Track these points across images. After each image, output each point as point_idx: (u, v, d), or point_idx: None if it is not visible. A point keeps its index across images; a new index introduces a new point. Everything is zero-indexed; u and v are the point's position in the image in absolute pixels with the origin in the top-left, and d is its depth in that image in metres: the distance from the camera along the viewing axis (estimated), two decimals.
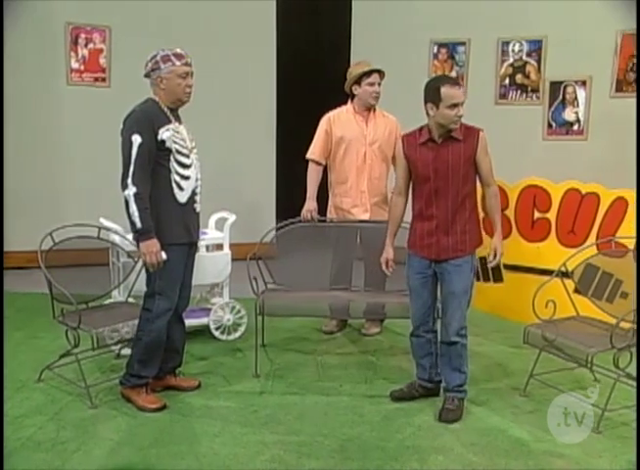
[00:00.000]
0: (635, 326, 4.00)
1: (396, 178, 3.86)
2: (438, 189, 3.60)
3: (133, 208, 3.47)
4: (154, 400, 3.78)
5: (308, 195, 4.80)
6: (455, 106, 3.49)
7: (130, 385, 3.78)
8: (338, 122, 4.76)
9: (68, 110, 6.50)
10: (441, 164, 3.58)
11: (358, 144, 4.72)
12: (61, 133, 6.56)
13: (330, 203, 4.95)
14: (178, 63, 3.58)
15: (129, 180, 3.47)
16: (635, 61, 6.25)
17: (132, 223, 3.52)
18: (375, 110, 4.75)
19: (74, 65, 6.47)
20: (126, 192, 3.48)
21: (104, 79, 6.55)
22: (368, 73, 4.66)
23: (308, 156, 4.83)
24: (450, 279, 3.67)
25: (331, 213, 4.91)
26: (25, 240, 6.10)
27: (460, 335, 3.71)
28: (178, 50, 3.63)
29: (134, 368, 3.77)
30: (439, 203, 3.62)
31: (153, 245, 3.53)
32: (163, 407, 3.76)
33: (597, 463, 3.30)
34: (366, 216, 4.76)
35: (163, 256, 3.56)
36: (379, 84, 4.68)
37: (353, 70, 4.74)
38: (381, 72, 4.70)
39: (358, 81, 4.68)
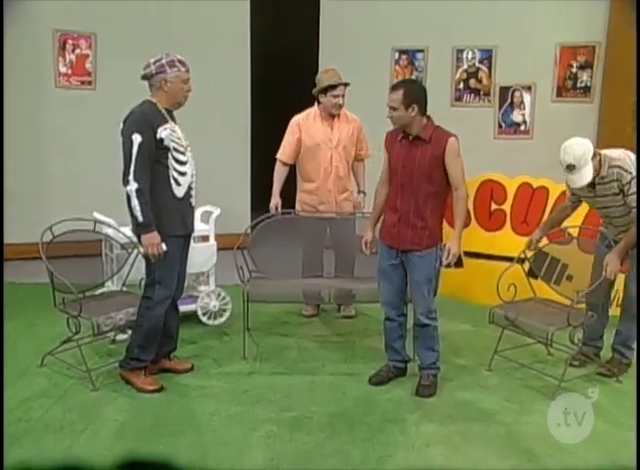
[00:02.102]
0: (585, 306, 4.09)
1: (382, 170, 3.79)
2: (404, 184, 3.55)
3: (135, 202, 3.39)
4: (151, 382, 3.69)
5: (273, 192, 4.75)
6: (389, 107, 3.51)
7: (130, 367, 3.69)
8: (305, 127, 4.67)
9: (57, 110, 6.29)
10: (409, 161, 3.52)
11: (325, 148, 4.65)
12: (49, 132, 6.35)
13: (297, 198, 4.87)
14: (183, 69, 3.53)
15: (131, 177, 3.38)
16: (574, 70, 6.36)
17: (134, 217, 3.43)
18: (339, 113, 4.66)
19: (62, 69, 6.25)
20: (128, 188, 3.39)
21: (90, 82, 6.35)
22: (334, 86, 4.57)
23: (278, 156, 4.75)
24: (413, 269, 3.61)
25: (298, 207, 4.81)
26: (15, 232, 5.93)
27: (430, 318, 3.66)
28: (180, 56, 3.55)
29: (134, 352, 3.67)
30: (404, 197, 3.57)
31: (154, 237, 3.44)
32: (160, 389, 3.67)
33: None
34: (332, 212, 4.71)
35: (164, 247, 3.48)
36: (343, 96, 4.59)
37: (321, 79, 4.64)
38: (346, 85, 4.61)
39: (324, 91, 4.60)
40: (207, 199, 4.95)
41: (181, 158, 3.55)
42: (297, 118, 4.74)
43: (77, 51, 6.27)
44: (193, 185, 3.65)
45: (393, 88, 3.53)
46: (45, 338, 4.22)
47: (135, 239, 3.64)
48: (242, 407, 3.49)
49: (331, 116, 4.66)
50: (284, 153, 4.74)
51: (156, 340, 3.72)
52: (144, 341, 3.67)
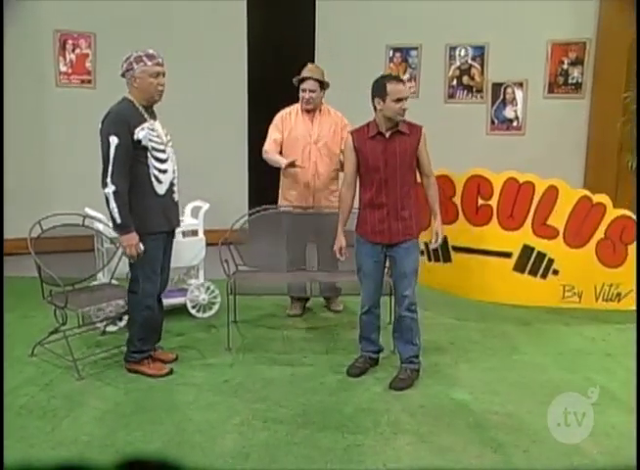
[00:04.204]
0: None
1: (345, 172, 3.80)
2: (388, 179, 3.59)
3: (113, 204, 3.43)
4: (161, 367, 3.80)
5: (279, 160, 4.56)
6: (400, 100, 3.50)
7: (136, 360, 3.78)
8: (287, 121, 4.66)
9: (57, 109, 6.41)
10: (391, 156, 3.57)
11: (304, 142, 4.60)
12: (50, 129, 6.48)
13: (280, 194, 4.81)
14: (150, 63, 3.52)
15: (108, 179, 3.42)
16: (565, 67, 6.36)
17: (112, 219, 3.48)
18: (321, 109, 4.63)
19: (63, 68, 6.38)
20: (106, 190, 3.43)
21: (89, 81, 6.47)
22: (303, 79, 4.56)
23: (263, 154, 4.69)
24: (401, 262, 3.66)
25: (281, 203, 4.78)
26: (15, 228, 6.04)
27: (410, 310, 3.70)
28: (150, 51, 3.56)
29: (136, 346, 3.76)
30: (389, 191, 3.61)
31: (132, 238, 3.50)
32: (171, 372, 3.77)
33: (526, 417, 3.38)
34: (311, 206, 4.66)
35: (141, 247, 3.53)
36: (311, 91, 4.53)
37: (302, 72, 4.63)
38: (322, 83, 4.54)
39: (299, 85, 4.60)
40: (205, 195, 5.06)
41: (161, 156, 3.59)
42: (280, 113, 4.73)
43: (77, 51, 6.38)
44: (175, 181, 3.70)
45: (402, 80, 3.62)
46: (38, 329, 4.29)
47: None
48: (220, 397, 3.56)
49: (312, 111, 4.61)
50: (266, 149, 4.68)
51: (153, 329, 3.82)
52: (142, 333, 3.75)
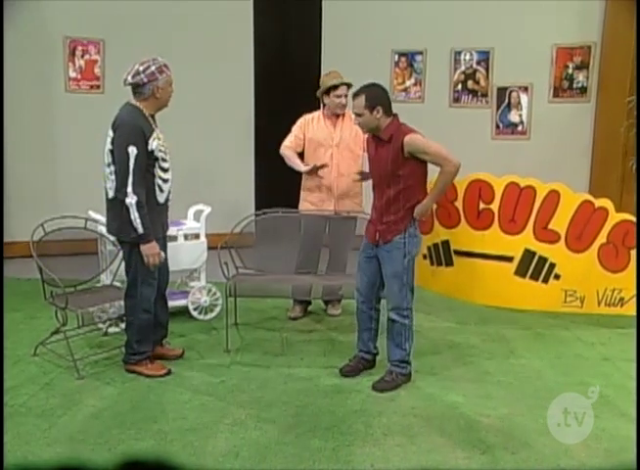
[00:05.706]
0: None
1: None
2: (376, 184, 3.71)
3: (135, 215, 3.48)
4: (159, 367, 3.86)
5: (298, 166, 4.70)
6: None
7: (134, 362, 3.85)
8: (310, 125, 4.77)
9: (67, 113, 6.53)
10: (376, 162, 3.67)
11: (326, 145, 4.72)
12: (60, 134, 6.59)
13: (301, 196, 4.91)
14: (169, 72, 3.58)
15: (130, 189, 3.47)
16: (570, 71, 6.37)
17: (134, 229, 3.52)
18: (343, 113, 4.73)
19: (72, 74, 6.50)
20: (128, 200, 3.47)
21: (98, 87, 6.58)
22: (336, 86, 4.65)
23: (282, 149, 4.77)
24: (383, 263, 3.72)
25: (302, 206, 4.87)
26: (24, 231, 6.14)
27: (400, 315, 3.70)
28: (161, 59, 3.60)
29: (133, 347, 3.83)
30: (377, 195, 3.71)
31: (154, 247, 3.57)
32: (169, 372, 3.84)
33: (517, 420, 3.40)
34: (332, 209, 4.76)
35: (162, 255, 3.60)
36: (345, 96, 4.65)
37: (324, 81, 4.72)
38: (349, 85, 4.65)
39: (327, 92, 4.68)
40: (211, 198, 5.14)
41: (165, 165, 3.65)
42: (304, 116, 4.85)
43: (86, 57, 6.50)
44: (171, 188, 3.76)
45: (355, 95, 3.62)
46: (43, 329, 4.38)
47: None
48: (215, 397, 3.62)
49: (335, 115, 4.74)
50: (285, 144, 4.78)
51: (150, 331, 3.88)
52: (139, 336, 3.82)
